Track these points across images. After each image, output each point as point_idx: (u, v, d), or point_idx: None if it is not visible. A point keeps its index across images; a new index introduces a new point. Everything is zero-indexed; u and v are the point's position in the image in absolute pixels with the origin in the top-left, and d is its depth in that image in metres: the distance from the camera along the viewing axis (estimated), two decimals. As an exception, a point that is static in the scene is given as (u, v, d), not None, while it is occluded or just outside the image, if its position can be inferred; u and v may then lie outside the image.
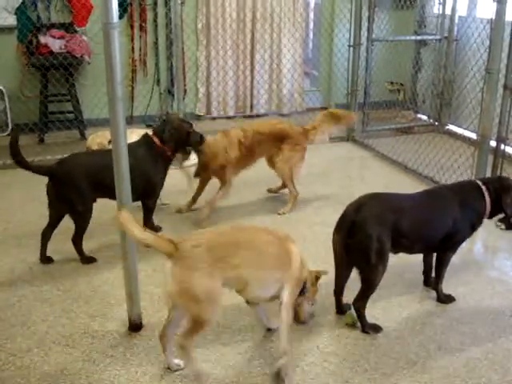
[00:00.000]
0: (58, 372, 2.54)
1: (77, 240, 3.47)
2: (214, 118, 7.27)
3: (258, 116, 7.36)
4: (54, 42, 5.97)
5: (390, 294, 3.14)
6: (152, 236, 2.30)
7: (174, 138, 3.74)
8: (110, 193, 2.74)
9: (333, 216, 2.90)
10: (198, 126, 6.93)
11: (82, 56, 6.05)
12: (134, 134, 5.42)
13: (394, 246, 2.74)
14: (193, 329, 2.34)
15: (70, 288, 3.23)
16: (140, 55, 6.73)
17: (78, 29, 6.19)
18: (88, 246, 3.55)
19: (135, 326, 2.83)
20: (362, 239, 2.64)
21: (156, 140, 3.72)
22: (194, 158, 4.44)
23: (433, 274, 3.13)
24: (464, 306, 3.05)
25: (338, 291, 2.89)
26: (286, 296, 2.50)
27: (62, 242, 3.56)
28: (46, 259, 3.49)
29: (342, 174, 5.22)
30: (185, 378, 2.49)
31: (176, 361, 2.53)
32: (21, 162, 3.26)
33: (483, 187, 2.93)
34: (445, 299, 3.06)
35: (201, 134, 3.96)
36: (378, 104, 6.44)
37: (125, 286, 2.77)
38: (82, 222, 3.43)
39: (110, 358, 2.63)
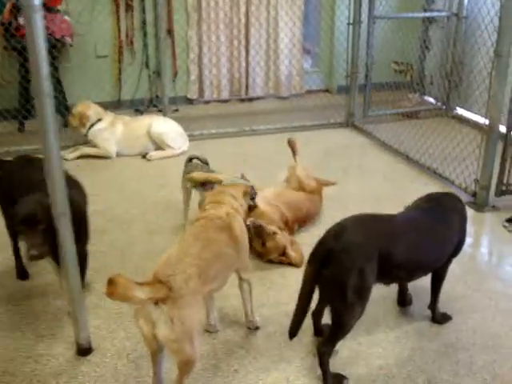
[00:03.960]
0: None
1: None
2: (207, 102, 6.87)
3: (253, 99, 6.95)
4: (32, 23, 5.58)
5: (377, 311, 2.77)
6: (149, 288, 1.93)
7: None
8: None
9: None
10: (190, 110, 6.67)
11: (62, 37, 5.66)
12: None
13: (385, 278, 2.34)
14: (185, 372, 2.07)
15: (21, 301, 2.90)
16: (127, 36, 6.33)
17: (59, 8, 5.80)
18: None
19: (83, 351, 2.50)
20: (339, 271, 2.15)
21: None
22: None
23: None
24: (461, 327, 2.66)
25: (295, 328, 2.29)
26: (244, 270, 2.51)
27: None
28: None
29: (336, 165, 4.80)
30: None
31: None
32: None
33: None
34: (440, 319, 2.68)
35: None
36: (380, 86, 5.98)
37: (70, 305, 2.43)
38: None
39: (51, 390, 2.31)
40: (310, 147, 5.09)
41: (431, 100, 6.37)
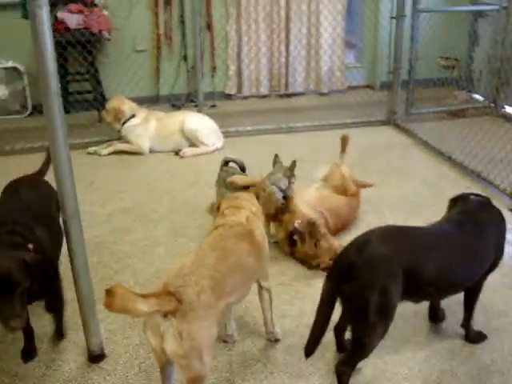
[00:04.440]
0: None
1: None
2: (245, 97, 6.74)
3: (293, 95, 6.78)
4: (70, 18, 5.58)
5: (406, 327, 2.58)
6: (155, 300, 1.80)
7: None
8: None
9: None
10: (227, 106, 6.54)
11: (99, 32, 5.64)
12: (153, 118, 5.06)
13: (412, 296, 2.16)
14: None
15: (37, 302, 2.85)
16: (165, 30, 6.27)
17: (97, 2, 5.79)
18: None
19: (94, 358, 2.42)
20: (360, 288, 1.98)
21: None
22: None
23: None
24: (497, 348, 2.44)
25: (312, 347, 2.12)
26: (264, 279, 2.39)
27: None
28: None
29: (375, 165, 4.58)
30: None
31: None
32: None
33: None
34: (474, 338, 2.46)
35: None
36: (425, 82, 5.71)
37: (80, 312, 2.35)
38: None
39: (58, 399, 2.24)
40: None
41: (479, 97, 6.04)
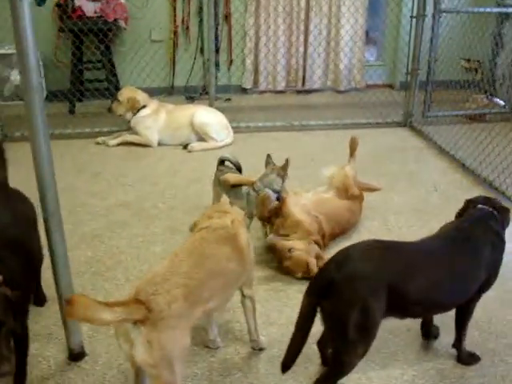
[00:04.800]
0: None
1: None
2: (261, 92, 6.66)
3: (310, 91, 6.67)
4: (87, 5, 5.58)
5: (397, 342, 2.49)
6: (122, 308, 1.73)
7: None
8: None
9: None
10: (242, 100, 6.44)
11: (115, 21, 5.61)
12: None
13: (397, 313, 2.06)
14: None
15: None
16: (183, 21, 6.20)
17: (115, -10, 5.75)
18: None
19: (74, 356, 2.39)
20: (340, 305, 1.89)
21: None
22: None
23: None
24: (489, 372, 2.33)
25: (289, 362, 2.04)
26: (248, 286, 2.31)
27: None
28: None
29: (385, 169, 4.46)
30: None
31: None
32: None
33: (494, 212, 2.27)
34: (466, 360, 2.35)
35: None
36: (444, 84, 5.54)
37: (59, 309, 2.32)
38: None
39: (34, 396, 2.21)
40: (360, 147, 4.73)
41: (500, 102, 5.85)
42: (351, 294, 1.88)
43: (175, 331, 1.83)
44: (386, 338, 2.50)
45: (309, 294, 1.96)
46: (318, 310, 1.96)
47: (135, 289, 1.86)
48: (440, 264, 2.07)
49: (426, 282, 2.00)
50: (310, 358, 2.34)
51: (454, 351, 2.39)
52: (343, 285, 1.89)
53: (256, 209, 3.11)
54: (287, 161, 3.19)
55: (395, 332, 2.53)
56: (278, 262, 3.03)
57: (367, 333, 1.93)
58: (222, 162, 3.50)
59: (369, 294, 1.89)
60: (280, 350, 2.43)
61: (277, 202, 3.08)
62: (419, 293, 1.99)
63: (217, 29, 6.12)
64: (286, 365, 2.01)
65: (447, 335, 2.47)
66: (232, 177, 3.29)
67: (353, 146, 3.76)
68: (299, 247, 2.94)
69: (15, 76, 5.84)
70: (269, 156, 3.28)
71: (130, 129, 5.03)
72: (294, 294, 2.85)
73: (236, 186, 3.26)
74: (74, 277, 2.88)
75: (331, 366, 2.03)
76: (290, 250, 2.91)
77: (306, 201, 3.28)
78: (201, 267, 1.99)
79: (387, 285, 1.91)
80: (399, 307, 2.00)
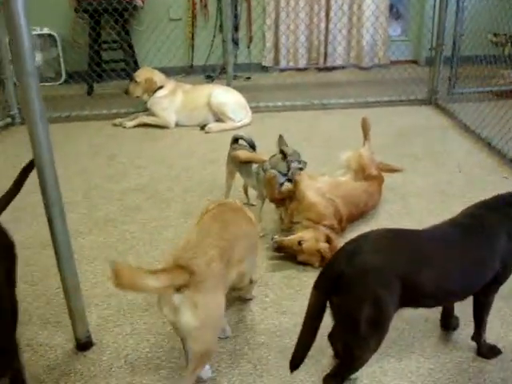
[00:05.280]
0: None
1: None
2: (282, 70, 6.50)
3: (332, 69, 6.49)
4: (103, -16, 5.47)
5: (414, 334, 2.38)
6: (166, 275, 1.78)
7: None
8: None
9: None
10: (262, 79, 6.30)
11: (131, 0, 5.51)
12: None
13: (410, 304, 1.95)
14: (201, 363, 1.94)
15: (40, 280, 2.80)
16: (201, -1, 6.08)
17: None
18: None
19: (81, 346, 2.35)
20: (350, 300, 1.79)
21: None
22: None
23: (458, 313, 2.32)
24: (510, 365, 2.21)
25: (297, 361, 1.95)
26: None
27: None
28: None
29: (408, 149, 4.31)
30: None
31: None
32: None
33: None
34: (486, 353, 2.24)
35: None
36: (471, 60, 5.30)
37: (65, 298, 2.27)
38: None
39: (38, 386, 2.18)
40: (382, 126, 4.62)
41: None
42: (362, 288, 1.78)
43: (216, 292, 1.89)
44: (402, 329, 2.40)
45: (317, 289, 1.86)
46: (328, 304, 1.87)
47: (172, 257, 1.91)
48: (452, 252, 1.95)
49: (438, 271, 1.88)
50: (323, 349, 2.26)
51: (473, 344, 2.28)
52: (353, 278, 1.79)
53: (265, 189, 3.03)
54: (280, 137, 3.07)
55: (412, 322, 2.43)
56: (294, 258, 2.93)
57: (380, 327, 1.83)
58: (235, 140, 3.42)
59: (381, 287, 1.79)
60: (292, 341, 2.33)
61: (289, 185, 2.98)
62: (432, 283, 1.87)
63: (236, 5, 5.97)
64: (295, 363, 1.93)
65: (467, 326, 2.36)
66: (243, 153, 3.21)
67: (365, 127, 3.62)
68: (307, 237, 2.83)
69: (37, 58, 5.80)
70: (281, 137, 3.16)
71: (147, 110, 4.96)
72: (309, 282, 2.75)
73: (247, 163, 3.19)
74: (84, 263, 2.90)
75: (342, 360, 1.94)
76: (299, 243, 2.81)
77: (322, 184, 3.17)
78: (227, 230, 2.08)
79: (400, 276, 1.80)
80: (412, 298, 1.89)
